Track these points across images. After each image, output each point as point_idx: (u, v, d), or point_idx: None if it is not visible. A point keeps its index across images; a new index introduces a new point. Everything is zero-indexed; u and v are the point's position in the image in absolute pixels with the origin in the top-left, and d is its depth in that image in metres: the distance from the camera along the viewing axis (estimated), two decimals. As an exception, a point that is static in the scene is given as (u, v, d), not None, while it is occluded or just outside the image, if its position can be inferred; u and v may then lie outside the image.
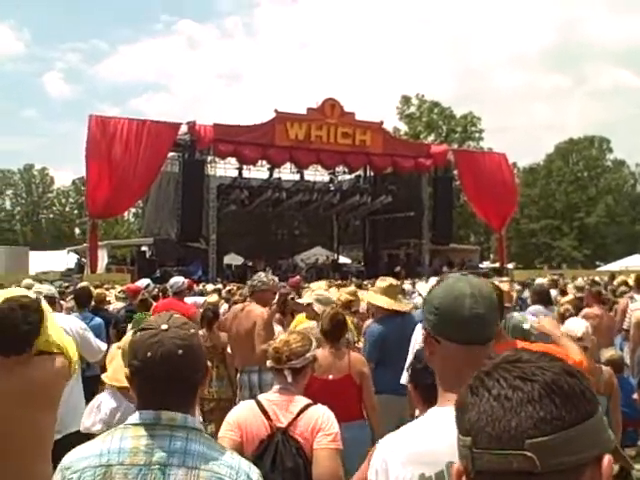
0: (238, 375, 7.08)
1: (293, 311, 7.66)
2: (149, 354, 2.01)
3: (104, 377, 4.11)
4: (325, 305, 6.39)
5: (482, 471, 1.02)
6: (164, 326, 2.06)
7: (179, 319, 2.14)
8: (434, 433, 1.74)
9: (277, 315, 7.63)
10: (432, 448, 1.72)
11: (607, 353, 6.96)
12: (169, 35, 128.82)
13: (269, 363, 3.48)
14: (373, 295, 6.74)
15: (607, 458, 1.00)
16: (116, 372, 3.81)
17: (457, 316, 1.86)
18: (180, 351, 2.00)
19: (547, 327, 3.79)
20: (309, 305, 6.68)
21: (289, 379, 3.48)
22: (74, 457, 2.01)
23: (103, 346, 5.71)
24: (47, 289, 6.23)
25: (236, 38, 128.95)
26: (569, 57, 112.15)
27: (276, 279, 7.66)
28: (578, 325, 4.93)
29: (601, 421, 1.02)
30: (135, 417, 2.05)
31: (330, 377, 5.00)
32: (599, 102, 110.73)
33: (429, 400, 2.76)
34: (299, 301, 7.32)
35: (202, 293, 13.66)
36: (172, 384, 2.01)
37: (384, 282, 6.53)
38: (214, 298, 10.90)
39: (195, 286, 14.57)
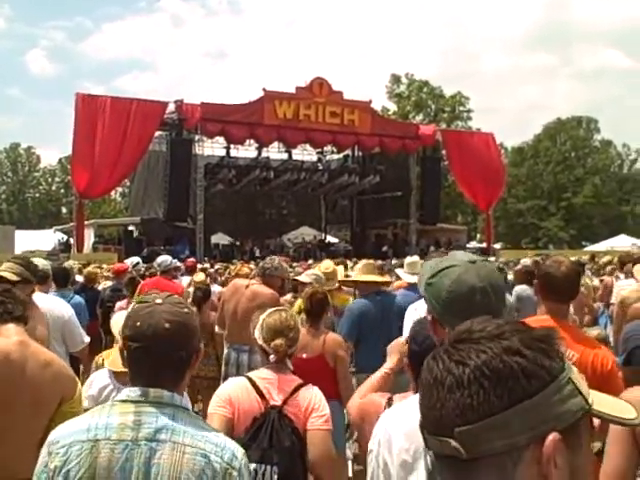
0: (225, 350, 7.05)
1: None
2: (138, 323, 2.06)
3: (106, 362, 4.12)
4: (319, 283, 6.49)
5: (434, 453, 1.03)
6: (158, 300, 2.11)
7: (176, 299, 2.18)
8: None
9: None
10: None
11: (593, 332, 7.02)
12: (153, 13, 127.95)
13: (272, 358, 3.45)
14: (354, 276, 6.89)
15: (551, 437, 0.97)
16: (116, 358, 3.81)
17: (466, 312, 1.77)
18: (167, 325, 2.04)
19: None
20: (307, 284, 6.72)
21: (289, 365, 3.49)
22: (61, 432, 2.03)
23: (86, 339, 5.65)
24: (42, 264, 6.03)
25: (221, 16, 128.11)
26: (556, 38, 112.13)
27: (285, 266, 7.62)
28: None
29: (551, 396, 0.97)
30: (123, 394, 2.07)
31: (304, 356, 5.00)
32: (586, 83, 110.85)
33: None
34: (299, 278, 7.38)
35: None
36: (157, 357, 2.04)
37: (361, 263, 6.82)
38: (201, 277, 10.88)
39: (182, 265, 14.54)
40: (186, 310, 2.14)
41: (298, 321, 3.67)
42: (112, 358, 3.91)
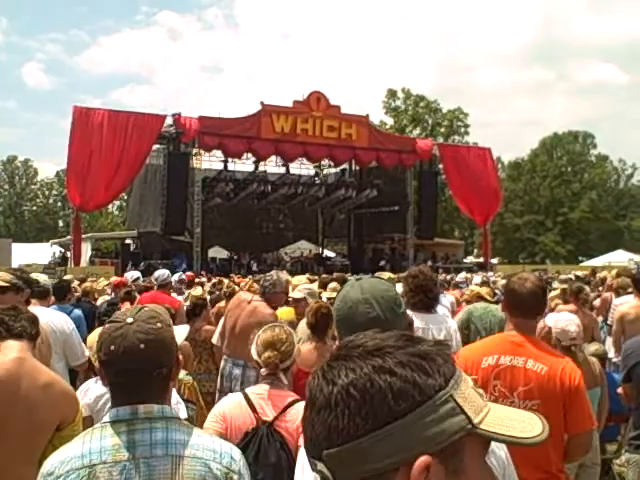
0: (222, 362, 7.04)
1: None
2: (112, 347, 2.02)
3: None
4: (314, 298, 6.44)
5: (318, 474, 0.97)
6: (129, 319, 2.06)
7: (147, 312, 2.13)
8: None
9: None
10: None
11: (591, 347, 7.01)
12: (150, 26, 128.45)
13: (263, 371, 3.46)
14: None
15: (418, 462, 0.90)
16: None
17: (354, 324, 1.93)
18: (142, 345, 2.01)
19: None
20: (301, 300, 6.69)
21: (284, 380, 3.48)
22: (55, 461, 1.99)
23: (87, 352, 5.63)
24: (43, 279, 6.02)
25: (217, 30, 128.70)
26: (552, 53, 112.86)
27: (285, 277, 7.56)
28: (570, 325, 4.93)
29: (423, 417, 0.91)
30: (112, 414, 2.04)
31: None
32: (582, 98, 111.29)
33: None
34: (292, 295, 7.31)
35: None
36: (138, 377, 2.02)
37: (383, 277, 6.61)
38: (198, 291, 10.84)
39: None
40: (159, 325, 2.09)
41: (294, 336, 3.65)
42: None
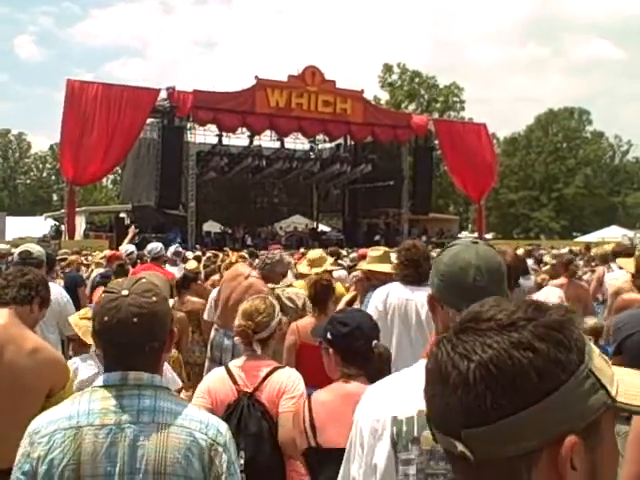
0: (213, 332, 7.08)
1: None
2: (106, 319, 2.04)
3: (72, 319, 3.96)
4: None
5: (443, 449, 0.96)
6: (125, 292, 2.07)
7: (144, 285, 2.13)
8: (413, 381, 1.76)
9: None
10: (407, 395, 1.78)
11: (590, 322, 7.05)
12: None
13: (236, 339, 3.50)
14: (372, 265, 6.72)
15: (568, 441, 0.87)
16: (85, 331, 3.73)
17: (460, 286, 1.89)
18: (135, 319, 2.02)
19: None
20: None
21: (258, 351, 3.51)
22: (42, 421, 2.02)
23: (74, 327, 5.65)
24: (37, 250, 5.95)
25: (211, 3, 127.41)
26: (547, 30, 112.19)
27: (289, 260, 7.56)
28: (553, 296, 4.98)
29: (567, 394, 0.88)
30: (102, 379, 2.07)
31: (317, 343, 5.03)
32: (577, 74, 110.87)
33: (355, 363, 2.83)
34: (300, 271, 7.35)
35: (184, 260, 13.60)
36: (130, 349, 2.03)
37: (378, 251, 6.55)
38: (193, 265, 10.84)
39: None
40: (154, 298, 2.09)
41: (275, 308, 3.65)
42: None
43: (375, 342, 2.92)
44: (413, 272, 4.80)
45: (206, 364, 6.97)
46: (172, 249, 11.51)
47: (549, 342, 0.89)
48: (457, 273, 1.91)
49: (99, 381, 2.07)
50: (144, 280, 2.18)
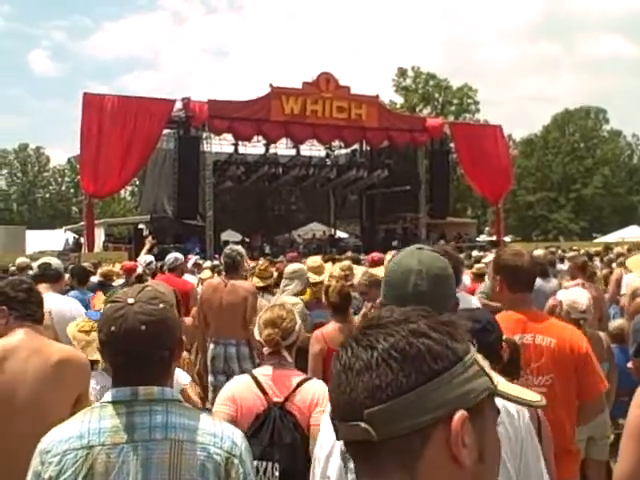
0: (211, 346, 7.13)
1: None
2: (113, 328, 1.99)
3: (69, 330, 3.79)
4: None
5: (345, 441, 1.05)
6: (130, 300, 2.03)
7: (149, 292, 2.09)
8: None
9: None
10: None
11: (616, 323, 7.00)
12: (153, 11, 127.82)
13: (265, 350, 3.48)
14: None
15: (458, 414, 0.98)
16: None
17: (401, 291, 1.93)
18: (143, 327, 1.97)
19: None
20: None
21: (288, 358, 3.49)
22: (53, 439, 1.96)
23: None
24: (55, 263, 5.98)
25: (221, 12, 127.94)
26: (559, 28, 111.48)
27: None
28: (581, 299, 4.94)
29: (457, 376, 1.00)
30: (111, 394, 2.01)
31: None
32: (592, 72, 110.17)
33: (488, 359, 2.79)
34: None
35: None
36: (139, 359, 1.99)
37: (315, 262, 6.79)
38: (207, 274, 10.89)
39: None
40: (162, 305, 2.06)
41: (295, 314, 3.65)
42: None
43: (505, 337, 2.86)
44: None
45: (209, 379, 7.04)
46: (192, 261, 11.58)
47: (441, 332, 1.02)
48: (399, 279, 1.95)
49: (107, 396, 2.02)
50: (149, 288, 2.15)
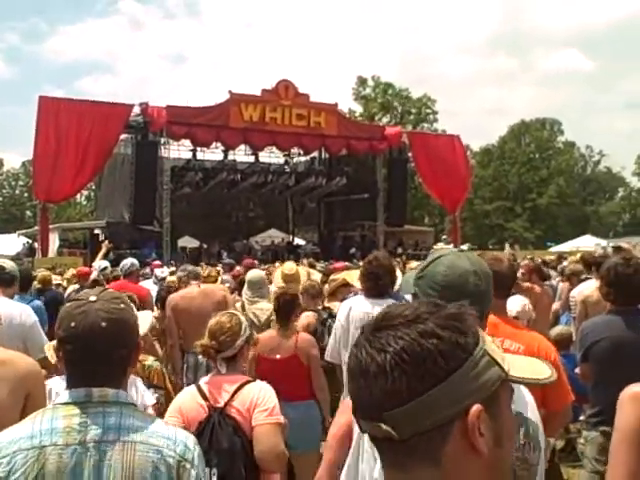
0: (190, 358, 7.06)
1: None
2: (72, 324, 1.98)
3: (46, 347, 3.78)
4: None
5: (369, 436, 1.10)
6: (92, 298, 2.03)
7: (111, 293, 2.10)
8: None
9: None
10: None
11: (555, 330, 7.14)
12: (110, 15, 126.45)
13: (200, 358, 3.51)
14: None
15: (474, 409, 1.03)
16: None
17: (463, 293, 1.92)
18: (104, 323, 1.97)
19: None
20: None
21: (222, 370, 3.49)
22: (3, 440, 1.92)
23: (47, 352, 5.51)
24: (10, 266, 5.72)
25: (180, 18, 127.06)
26: (516, 41, 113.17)
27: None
28: (514, 303, 5.04)
29: (468, 372, 1.04)
30: (65, 396, 1.99)
31: (278, 357, 5.05)
32: (548, 85, 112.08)
33: None
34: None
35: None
36: (97, 356, 1.97)
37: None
38: (174, 279, 10.80)
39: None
40: (122, 305, 2.06)
41: (242, 326, 3.63)
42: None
43: None
44: (374, 285, 4.84)
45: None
46: (159, 273, 11.57)
47: (450, 329, 1.06)
48: (457, 282, 1.98)
49: (61, 398, 1.99)
50: (111, 290, 2.16)
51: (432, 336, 1.04)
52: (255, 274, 7.56)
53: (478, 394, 1.04)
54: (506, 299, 3.51)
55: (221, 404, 3.33)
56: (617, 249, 11.18)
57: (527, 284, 8.15)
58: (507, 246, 35.63)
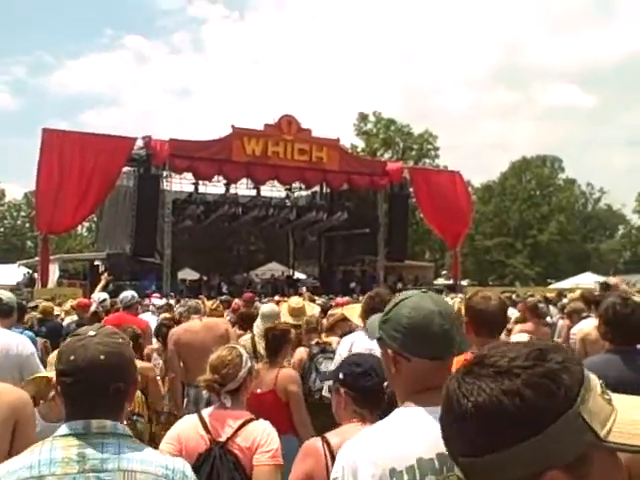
0: (191, 391, 7.04)
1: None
2: (72, 357, 2.02)
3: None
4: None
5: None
6: (91, 332, 2.07)
7: (109, 329, 2.16)
8: (404, 430, 1.80)
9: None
10: (403, 444, 1.77)
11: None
12: (116, 50, 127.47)
13: (204, 393, 3.50)
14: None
15: (549, 474, 0.99)
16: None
17: (428, 333, 1.92)
18: (102, 356, 2.01)
19: None
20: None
21: (227, 403, 3.48)
22: (2, 471, 1.93)
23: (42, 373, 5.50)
24: (8, 296, 5.76)
25: (185, 54, 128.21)
26: (517, 77, 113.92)
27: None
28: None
29: (548, 437, 0.98)
30: (64, 428, 2.01)
31: (258, 391, 5.03)
32: (548, 121, 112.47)
33: (369, 404, 2.84)
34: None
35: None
36: (95, 389, 2.00)
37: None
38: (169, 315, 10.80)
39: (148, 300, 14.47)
40: (120, 340, 2.11)
41: (243, 358, 3.61)
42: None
43: (386, 384, 2.91)
44: None
45: None
46: (157, 302, 11.55)
47: (538, 390, 1.00)
48: (422, 323, 1.94)
49: (60, 431, 2.01)
50: (110, 326, 2.21)
51: (515, 395, 1.00)
52: (269, 308, 7.57)
53: (556, 459, 0.99)
54: (494, 339, 3.47)
55: (223, 438, 3.31)
56: (605, 286, 11.14)
57: (522, 325, 8.16)
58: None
